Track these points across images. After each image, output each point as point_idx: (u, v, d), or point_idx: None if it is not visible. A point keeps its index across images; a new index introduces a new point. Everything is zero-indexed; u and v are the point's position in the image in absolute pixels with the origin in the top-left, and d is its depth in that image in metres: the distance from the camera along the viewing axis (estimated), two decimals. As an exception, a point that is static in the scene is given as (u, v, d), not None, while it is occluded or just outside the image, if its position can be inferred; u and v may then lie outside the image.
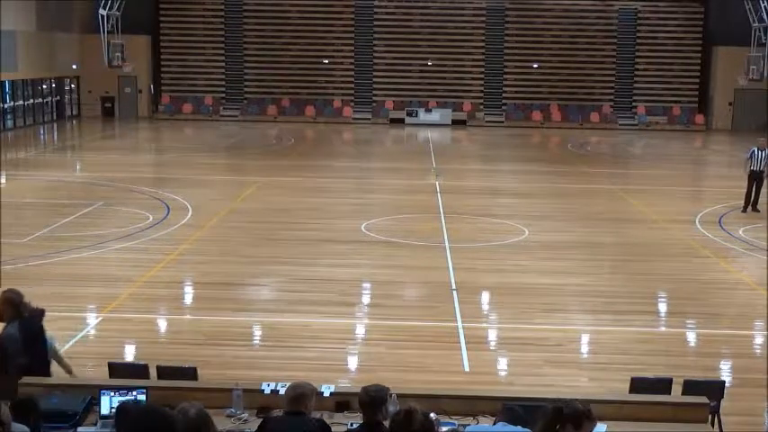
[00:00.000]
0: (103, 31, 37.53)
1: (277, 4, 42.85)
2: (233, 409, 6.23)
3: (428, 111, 42.04)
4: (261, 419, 5.75)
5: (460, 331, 10.63)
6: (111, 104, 42.53)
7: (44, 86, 38.80)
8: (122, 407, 5.13)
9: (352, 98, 43.28)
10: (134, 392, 6.11)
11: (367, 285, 13.04)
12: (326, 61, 43.01)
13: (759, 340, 10.84)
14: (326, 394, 6.38)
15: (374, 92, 43.49)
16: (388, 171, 26.29)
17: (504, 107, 43.16)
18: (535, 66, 42.84)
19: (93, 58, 38.88)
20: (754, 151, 19.20)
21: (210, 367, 8.73)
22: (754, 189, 19.02)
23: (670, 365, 9.38)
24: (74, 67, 40.73)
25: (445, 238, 16.02)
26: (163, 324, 11.25)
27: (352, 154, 32.64)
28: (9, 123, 35.74)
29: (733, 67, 39.28)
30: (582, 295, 12.58)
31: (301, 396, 5.40)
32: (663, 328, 11.40)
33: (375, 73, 43.38)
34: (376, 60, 43.31)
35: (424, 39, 42.78)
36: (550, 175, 25.64)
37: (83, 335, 10.37)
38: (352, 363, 9.83)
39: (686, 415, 6.32)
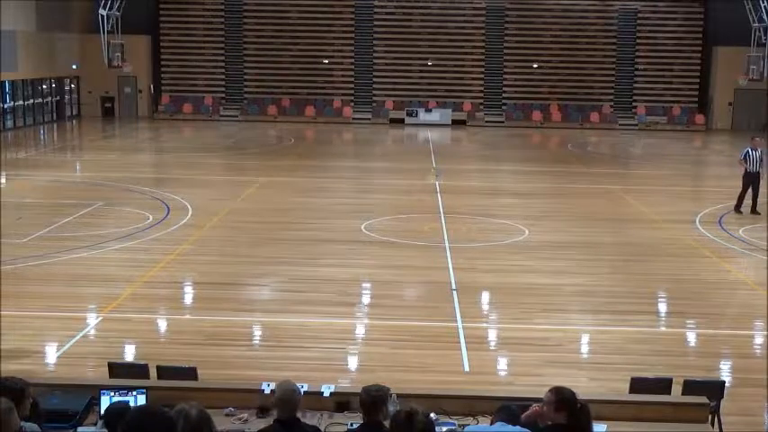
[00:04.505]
0: (103, 31, 37.51)
1: (277, 4, 42.84)
2: (233, 409, 6.24)
3: (428, 111, 42.02)
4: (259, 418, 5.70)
5: (460, 331, 10.63)
6: (111, 104, 42.53)
7: (44, 86, 38.78)
8: (113, 409, 5.05)
9: (352, 98, 43.27)
10: (134, 392, 6.11)
11: (367, 285, 13.03)
12: (326, 61, 43.00)
13: (759, 340, 10.83)
14: (326, 394, 6.37)
15: (374, 92, 43.47)
16: (389, 171, 26.28)
17: (504, 107, 43.15)
18: (535, 66, 42.83)
19: (93, 58, 38.88)
20: (748, 152, 18.97)
21: (210, 367, 8.72)
22: (751, 191, 18.74)
23: (670, 365, 9.37)
24: (74, 67, 40.72)
25: (445, 238, 16.01)
26: (163, 324, 11.24)
27: (352, 154, 32.63)
28: (9, 123, 35.74)
29: (733, 67, 39.24)
30: (582, 295, 12.57)
31: (295, 401, 5.21)
32: (663, 328, 11.40)
33: (375, 73, 43.37)
34: (376, 60, 43.30)
35: (424, 39, 42.76)
36: (550, 175, 25.64)
37: (83, 335, 10.37)
38: (352, 363, 9.83)
39: (686, 415, 6.32)
